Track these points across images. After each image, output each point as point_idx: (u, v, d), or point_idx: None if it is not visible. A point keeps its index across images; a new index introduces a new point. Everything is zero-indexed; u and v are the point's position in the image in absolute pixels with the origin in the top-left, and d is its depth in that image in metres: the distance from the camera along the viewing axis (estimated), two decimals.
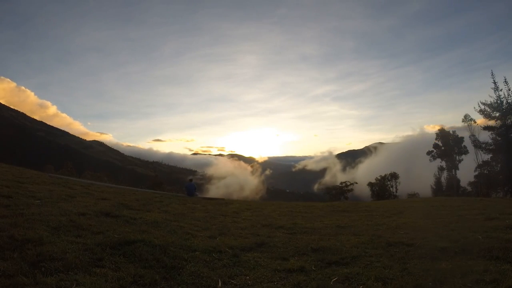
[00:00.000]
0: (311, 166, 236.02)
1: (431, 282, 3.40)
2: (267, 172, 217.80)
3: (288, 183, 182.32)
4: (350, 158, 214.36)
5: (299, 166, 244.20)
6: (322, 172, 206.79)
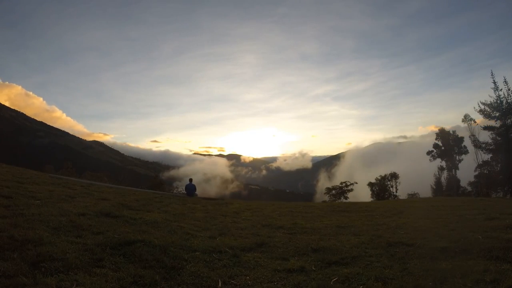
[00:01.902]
0: (290, 166, 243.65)
1: (431, 282, 3.40)
2: (251, 171, 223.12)
3: (275, 183, 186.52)
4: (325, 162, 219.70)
5: (280, 165, 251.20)
6: (299, 172, 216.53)
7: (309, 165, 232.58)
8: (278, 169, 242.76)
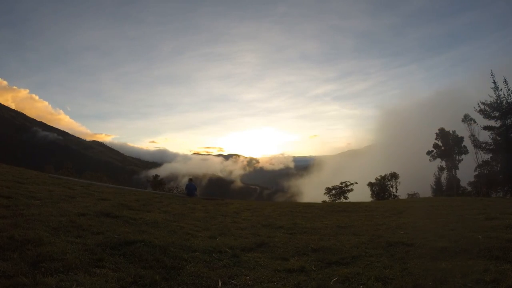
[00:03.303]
0: (272, 166, 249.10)
1: (431, 282, 3.40)
2: (240, 170, 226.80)
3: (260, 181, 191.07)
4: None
5: (262, 165, 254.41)
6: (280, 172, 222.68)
7: (291, 165, 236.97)
8: (262, 169, 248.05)
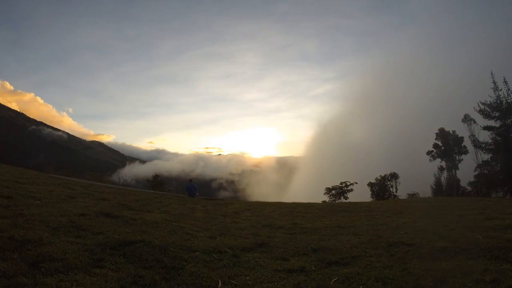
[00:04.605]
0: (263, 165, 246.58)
1: (431, 282, 3.40)
2: (233, 169, 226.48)
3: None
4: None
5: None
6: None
7: (282, 165, 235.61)
8: (250, 169, 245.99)
